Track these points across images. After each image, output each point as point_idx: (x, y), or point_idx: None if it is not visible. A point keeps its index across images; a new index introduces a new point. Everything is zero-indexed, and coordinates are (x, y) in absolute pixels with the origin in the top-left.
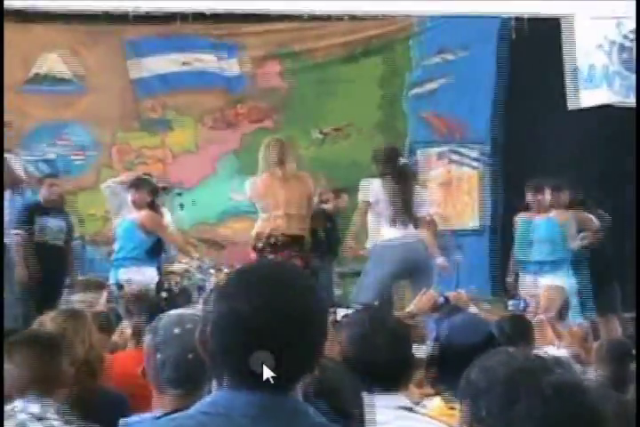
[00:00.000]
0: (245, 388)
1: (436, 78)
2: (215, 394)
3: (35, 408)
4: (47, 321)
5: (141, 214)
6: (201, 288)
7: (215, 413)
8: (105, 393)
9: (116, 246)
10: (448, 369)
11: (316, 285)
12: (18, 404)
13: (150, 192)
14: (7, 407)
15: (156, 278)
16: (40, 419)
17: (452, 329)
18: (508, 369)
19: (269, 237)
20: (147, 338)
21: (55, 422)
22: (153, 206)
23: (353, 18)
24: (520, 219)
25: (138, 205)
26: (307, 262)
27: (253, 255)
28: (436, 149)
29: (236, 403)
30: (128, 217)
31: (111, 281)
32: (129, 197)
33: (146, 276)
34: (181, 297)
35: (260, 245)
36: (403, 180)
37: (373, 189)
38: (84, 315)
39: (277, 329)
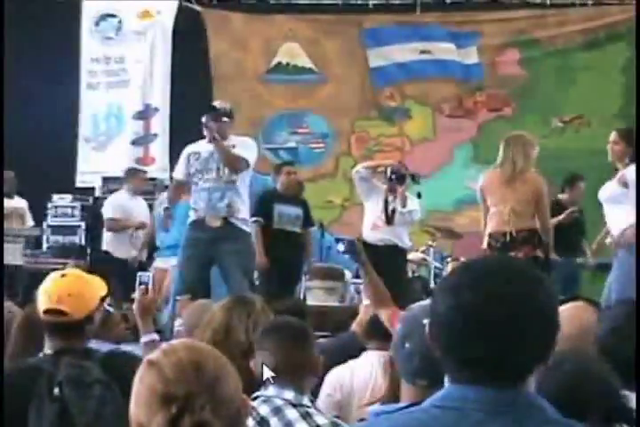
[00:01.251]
0: (474, 381)
1: None
2: (447, 388)
3: (289, 395)
4: (216, 308)
5: None
6: (437, 277)
7: (448, 407)
8: None
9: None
10: None
11: (546, 277)
12: (272, 389)
13: None
14: (259, 393)
15: None
16: (295, 405)
17: None
18: None
19: (505, 234)
20: (397, 328)
21: (310, 410)
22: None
23: (597, 3)
24: None
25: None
26: (546, 255)
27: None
28: None
29: (469, 397)
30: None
31: None
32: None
33: None
34: (418, 286)
35: (497, 243)
36: None
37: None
38: (252, 303)
39: (503, 322)
